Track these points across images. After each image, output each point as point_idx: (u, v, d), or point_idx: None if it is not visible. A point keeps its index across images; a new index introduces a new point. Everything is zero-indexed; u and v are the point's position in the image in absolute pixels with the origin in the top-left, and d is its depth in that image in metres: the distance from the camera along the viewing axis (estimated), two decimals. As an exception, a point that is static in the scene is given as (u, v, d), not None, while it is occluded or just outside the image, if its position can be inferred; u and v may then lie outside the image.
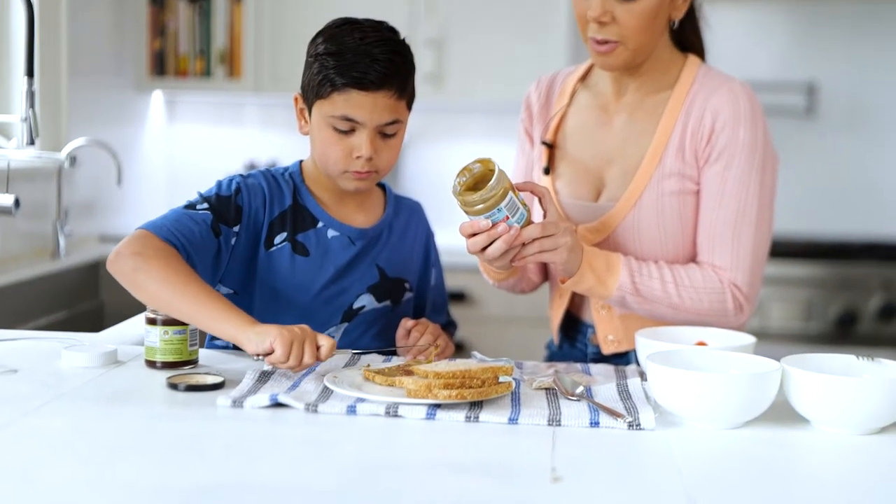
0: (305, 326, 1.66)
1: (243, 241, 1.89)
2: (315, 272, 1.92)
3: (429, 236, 2.09)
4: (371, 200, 2.00)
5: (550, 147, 2.05)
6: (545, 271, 2.12)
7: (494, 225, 1.72)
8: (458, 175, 1.76)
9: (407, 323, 1.91)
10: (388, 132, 1.86)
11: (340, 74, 1.81)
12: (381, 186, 2.04)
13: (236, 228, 1.87)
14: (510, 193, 1.72)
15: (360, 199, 1.98)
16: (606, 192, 1.98)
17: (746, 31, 4.16)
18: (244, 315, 1.68)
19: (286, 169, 1.98)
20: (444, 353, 1.93)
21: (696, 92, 1.94)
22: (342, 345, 1.93)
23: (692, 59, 1.98)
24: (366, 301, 1.95)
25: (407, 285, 2.01)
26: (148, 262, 1.71)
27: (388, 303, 1.97)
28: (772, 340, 3.50)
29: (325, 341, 1.65)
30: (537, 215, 1.89)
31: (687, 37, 2.00)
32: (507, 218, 1.72)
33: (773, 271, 3.49)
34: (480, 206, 1.72)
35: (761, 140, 1.90)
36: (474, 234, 1.74)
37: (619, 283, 1.84)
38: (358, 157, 1.84)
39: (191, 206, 1.86)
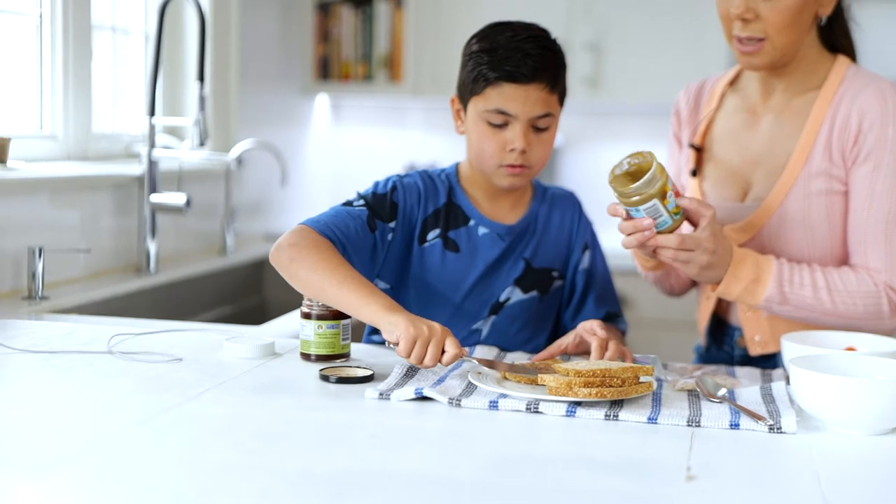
0: (437, 327, 1.69)
1: (399, 237, 1.96)
2: (465, 268, 1.97)
3: (580, 221, 2.07)
4: (523, 198, 2.04)
5: (698, 150, 2.05)
6: None
7: (633, 218, 1.76)
8: (628, 156, 1.78)
9: (597, 330, 1.80)
10: (541, 126, 1.90)
11: (493, 69, 1.87)
12: (533, 182, 2.07)
13: (392, 224, 1.94)
14: (654, 201, 1.73)
15: (513, 198, 2.02)
16: (752, 192, 1.97)
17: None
18: (387, 300, 1.74)
19: (443, 170, 2.04)
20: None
21: (844, 92, 1.91)
22: (491, 336, 1.98)
23: (841, 60, 1.96)
24: (511, 293, 1.99)
25: (555, 274, 2.03)
26: (302, 252, 1.80)
27: (534, 293, 2.00)
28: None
29: (451, 347, 1.67)
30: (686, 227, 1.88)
31: (835, 37, 1.97)
32: (647, 219, 1.74)
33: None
34: (628, 198, 1.75)
35: None
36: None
37: (766, 295, 1.83)
38: (512, 151, 1.89)
39: (348, 203, 1.94)
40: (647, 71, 3.86)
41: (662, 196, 1.74)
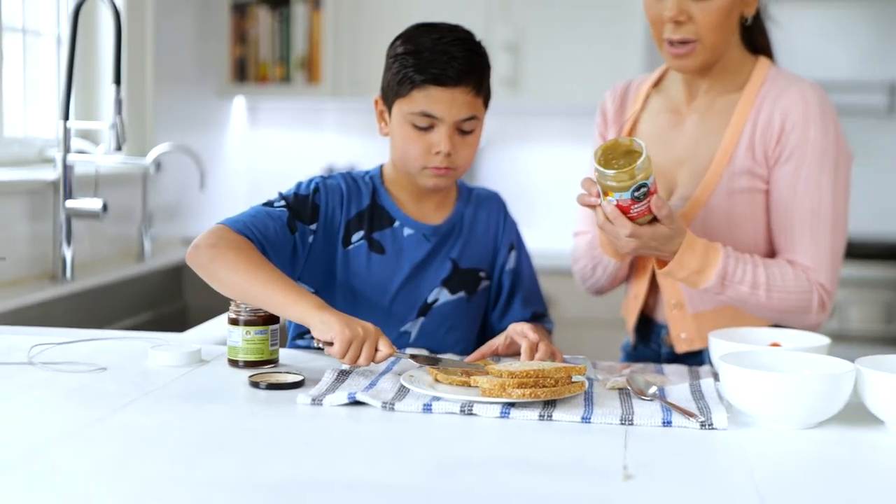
0: (370, 327, 1.70)
1: (321, 240, 1.94)
2: (391, 270, 1.97)
3: (505, 222, 2.08)
4: (448, 199, 2.04)
5: None
6: (627, 270, 2.12)
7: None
8: (618, 139, 1.77)
9: (527, 332, 1.79)
10: (466, 128, 1.91)
11: (419, 72, 1.87)
12: (457, 184, 2.08)
13: (313, 227, 1.93)
14: (618, 194, 1.73)
15: (438, 198, 2.02)
16: (678, 191, 2.00)
17: (826, 31, 4.12)
18: (316, 299, 1.73)
19: (367, 172, 2.03)
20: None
21: (766, 92, 1.95)
22: (420, 338, 1.97)
23: (763, 61, 2.00)
24: (439, 294, 1.99)
25: (482, 274, 2.03)
26: (222, 252, 1.79)
27: (462, 294, 2.01)
28: (850, 342, 3.46)
29: (384, 347, 1.69)
30: None
31: (755, 37, 2.01)
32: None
33: (853, 273, 3.46)
34: (610, 181, 1.74)
35: (833, 139, 1.91)
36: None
37: (706, 286, 1.86)
38: (437, 153, 1.89)
39: (269, 203, 1.93)
40: (566, 71, 3.89)
41: (631, 190, 1.74)
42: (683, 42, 1.90)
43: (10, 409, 1.54)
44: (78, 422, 1.46)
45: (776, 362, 1.60)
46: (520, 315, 2.03)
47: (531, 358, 1.75)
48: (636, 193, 1.72)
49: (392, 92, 1.93)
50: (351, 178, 2.00)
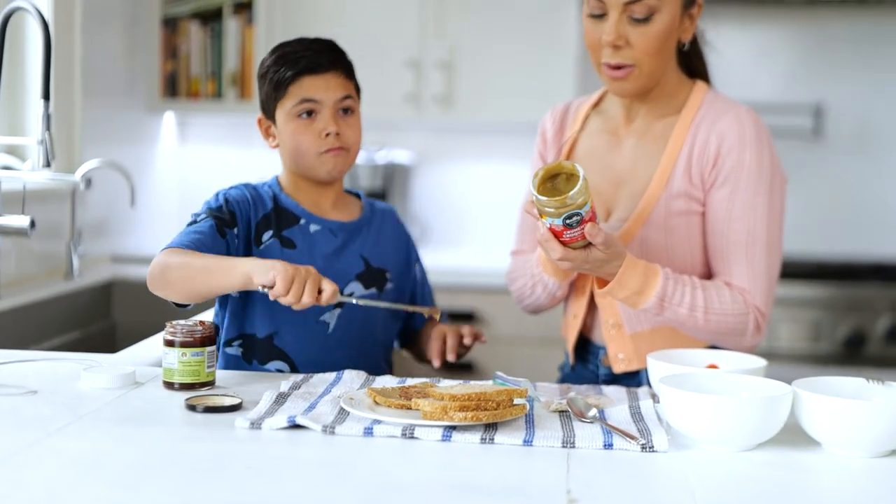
0: (311, 268, 1.81)
1: (241, 242, 2.04)
2: (304, 263, 1.97)
3: (407, 237, 2.24)
4: (347, 202, 2.16)
5: None
6: (567, 290, 2.12)
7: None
8: (561, 163, 1.77)
9: (439, 331, 2.08)
10: (346, 107, 2.06)
11: (291, 68, 2.03)
12: (357, 195, 2.21)
13: (235, 231, 2.03)
14: (550, 219, 1.74)
15: (335, 200, 2.13)
16: (616, 213, 2.01)
17: (752, 53, 4.19)
18: (254, 259, 1.87)
19: (264, 182, 2.15)
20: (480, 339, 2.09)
21: (703, 117, 1.98)
22: (339, 328, 2.06)
23: (699, 85, 2.03)
24: (354, 288, 2.08)
25: (388, 276, 2.14)
26: (169, 261, 1.89)
27: (374, 290, 2.11)
28: (780, 361, 3.51)
29: (328, 286, 1.81)
30: None
31: (692, 61, 2.04)
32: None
33: (782, 292, 3.50)
34: (541, 207, 1.75)
35: (767, 163, 1.94)
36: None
37: (646, 306, 1.87)
38: (327, 135, 2.02)
39: (193, 222, 2.01)
40: (500, 89, 3.90)
41: (567, 215, 1.75)
42: (620, 67, 1.92)
43: (-63, 435, 1.49)
44: (8, 448, 1.42)
45: (715, 384, 1.62)
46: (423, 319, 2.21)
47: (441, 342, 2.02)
48: (568, 221, 1.74)
49: (271, 100, 2.07)
50: (251, 187, 2.11)
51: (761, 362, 1.78)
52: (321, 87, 2.03)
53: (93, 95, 3.47)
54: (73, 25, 3.32)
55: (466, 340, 2.05)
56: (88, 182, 3.25)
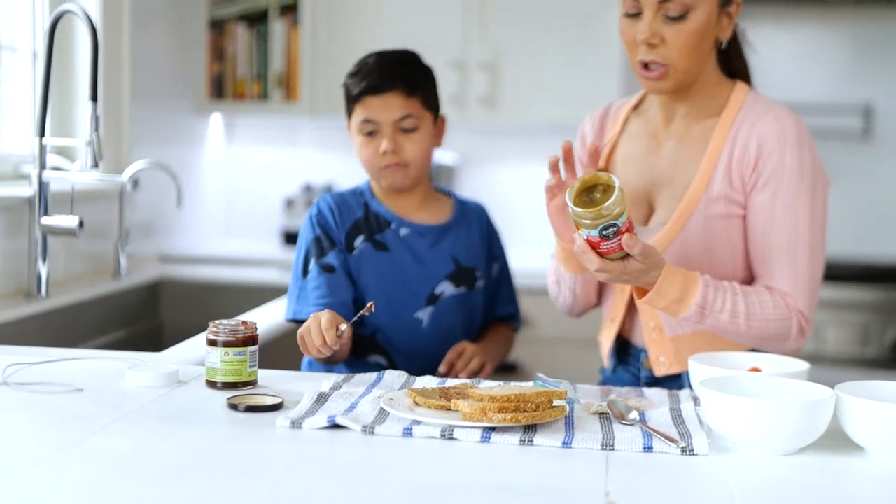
0: (314, 316, 1.90)
1: (342, 254, 2.17)
2: (397, 263, 2.17)
3: (490, 232, 2.31)
4: (436, 203, 2.27)
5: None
6: (600, 293, 2.13)
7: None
8: (597, 174, 1.76)
9: (458, 347, 2.15)
10: (406, 126, 2.14)
11: (356, 87, 2.16)
12: (448, 194, 2.31)
13: (336, 249, 2.16)
14: (586, 230, 1.73)
15: (421, 202, 2.23)
16: (656, 216, 2.00)
17: (801, 54, 4.15)
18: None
19: (356, 187, 2.26)
20: (482, 372, 2.16)
21: (743, 118, 1.96)
22: (431, 324, 2.19)
23: (740, 86, 2.00)
24: (445, 287, 2.20)
25: (478, 274, 2.25)
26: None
27: (463, 289, 2.22)
28: (827, 365, 3.48)
29: (327, 325, 1.87)
30: None
31: (732, 61, 2.02)
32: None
33: (829, 295, 3.47)
34: (577, 218, 1.74)
35: (809, 165, 1.92)
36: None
37: (686, 315, 1.85)
38: (384, 153, 2.13)
39: (304, 272, 2.15)
40: (543, 90, 3.90)
41: (604, 226, 1.73)
42: (656, 64, 1.91)
43: (-16, 431, 1.52)
44: (53, 445, 1.44)
45: (757, 388, 1.60)
46: (502, 310, 2.32)
47: (456, 360, 2.10)
48: (604, 232, 1.72)
49: (347, 114, 2.21)
50: (339, 196, 2.23)
51: (804, 365, 1.77)
52: (380, 108, 2.13)
53: (141, 97, 3.51)
54: (121, 28, 3.36)
55: (461, 375, 2.10)
56: (136, 183, 3.29)
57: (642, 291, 1.85)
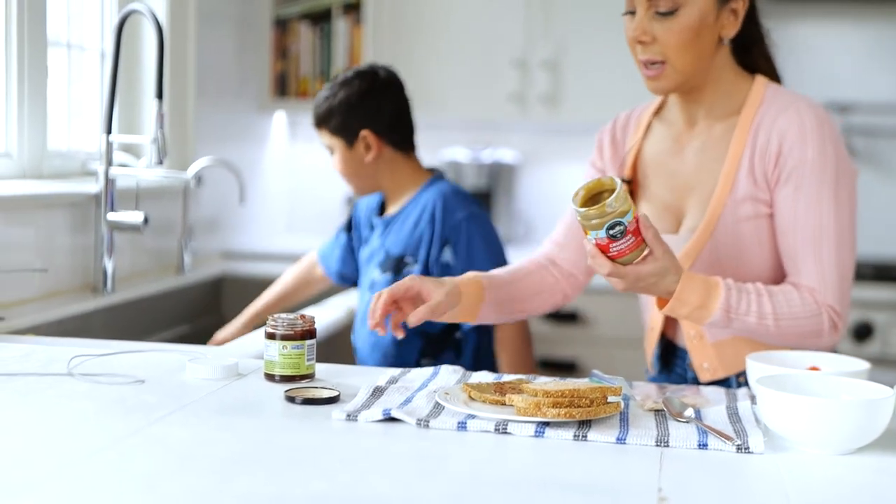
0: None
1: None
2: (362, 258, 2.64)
3: (443, 217, 2.45)
4: (402, 198, 2.59)
5: (629, 183, 2.05)
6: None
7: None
8: (601, 179, 1.76)
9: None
10: (331, 153, 2.71)
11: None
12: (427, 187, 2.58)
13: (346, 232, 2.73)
14: (594, 233, 1.73)
15: (391, 200, 2.61)
16: (686, 222, 1.97)
17: (864, 51, 4.09)
18: None
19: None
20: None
21: (763, 114, 1.91)
22: (362, 317, 2.57)
23: (759, 81, 1.96)
24: (374, 275, 2.51)
25: (408, 259, 2.48)
26: None
27: (389, 275, 2.47)
28: (892, 367, 3.42)
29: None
30: None
31: (755, 61, 1.98)
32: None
33: (894, 296, 3.42)
34: (583, 220, 1.74)
35: (832, 156, 1.87)
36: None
37: (711, 320, 1.81)
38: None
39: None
40: (606, 89, 3.89)
41: (610, 226, 1.73)
42: (654, 63, 1.89)
43: (49, 420, 1.56)
44: (114, 434, 1.47)
45: (815, 386, 1.59)
46: None
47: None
48: (611, 232, 1.71)
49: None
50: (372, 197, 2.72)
51: (864, 365, 1.75)
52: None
53: (205, 95, 3.56)
54: (186, 27, 3.40)
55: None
56: (200, 180, 3.34)
57: (664, 301, 1.82)
